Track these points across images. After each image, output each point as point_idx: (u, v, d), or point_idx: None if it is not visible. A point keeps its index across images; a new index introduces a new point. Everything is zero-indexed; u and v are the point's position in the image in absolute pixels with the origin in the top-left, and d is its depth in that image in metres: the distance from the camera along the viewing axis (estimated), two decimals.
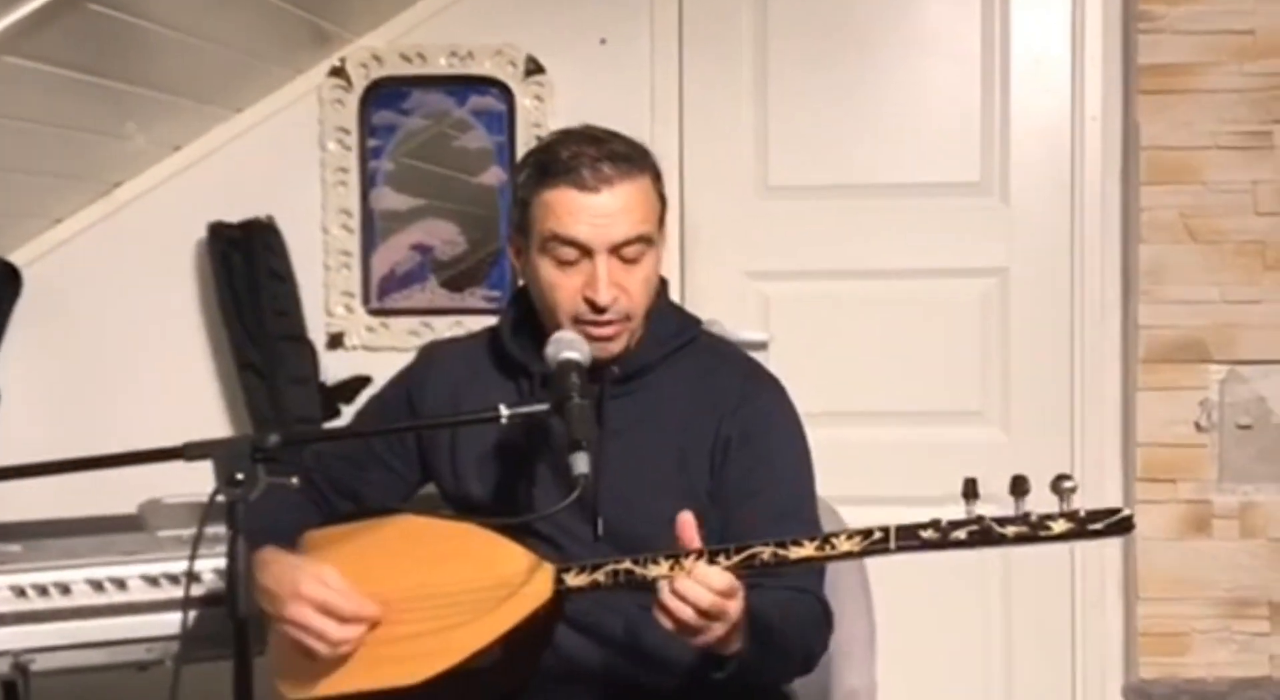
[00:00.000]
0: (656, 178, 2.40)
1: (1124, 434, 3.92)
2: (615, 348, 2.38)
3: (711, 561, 2.04)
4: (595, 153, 2.32)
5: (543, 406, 2.19)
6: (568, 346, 2.27)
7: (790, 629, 2.25)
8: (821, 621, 2.35)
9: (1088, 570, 3.94)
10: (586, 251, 2.32)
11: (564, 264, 2.34)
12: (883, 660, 2.68)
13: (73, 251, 4.01)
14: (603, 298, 2.31)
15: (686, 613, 2.02)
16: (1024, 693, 3.99)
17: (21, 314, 3.95)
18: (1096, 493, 3.81)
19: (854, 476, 3.57)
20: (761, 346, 3.86)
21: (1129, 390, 3.90)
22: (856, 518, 2.13)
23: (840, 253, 4.00)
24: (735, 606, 2.04)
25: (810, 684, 2.57)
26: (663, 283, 2.48)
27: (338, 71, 4.00)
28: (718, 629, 2.05)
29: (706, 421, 2.40)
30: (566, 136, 2.39)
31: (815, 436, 2.50)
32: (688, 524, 2.07)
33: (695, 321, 2.54)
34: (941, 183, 3.97)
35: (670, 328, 2.47)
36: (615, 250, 2.32)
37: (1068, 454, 3.90)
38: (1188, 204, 3.81)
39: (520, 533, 2.28)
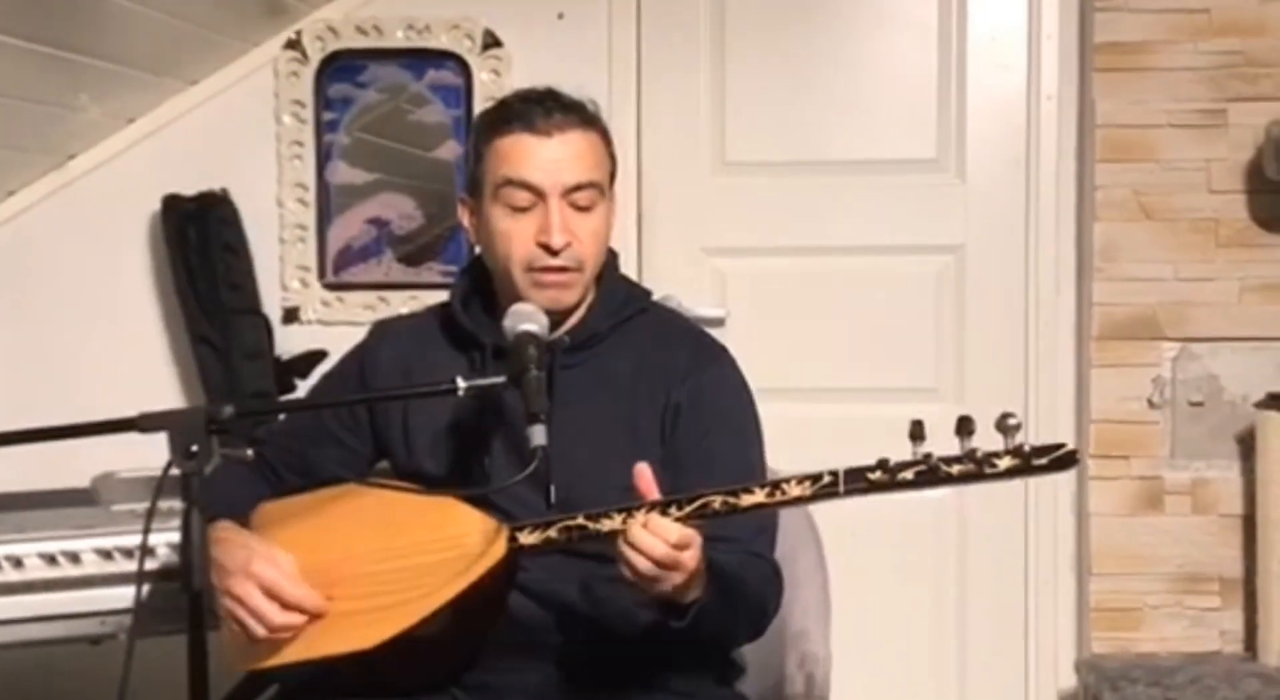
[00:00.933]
0: (607, 138, 2.44)
1: (1077, 410, 3.94)
2: (568, 298, 2.39)
3: (664, 512, 2.05)
4: (548, 102, 2.37)
5: (500, 379, 2.19)
6: (526, 319, 2.28)
7: (748, 581, 2.26)
8: (774, 582, 2.36)
9: (1041, 546, 3.97)
10: (539, 195, 2.34)
11: (517, 210, 2.35)
12: (837, 635, 2.69)
13: (26, 224, 3.98)
14: (556, 241, 2.33)
15: (642, 563, 2.04)
16: (978, 668, 4.01)
17: None
18: None
19: (809, 452, 3.53)
20: (718, 322, 3.87)
21: (1082, 367, 3.92)
22: None
23: (797, 229, 4.01)
24: (691, 557, 2.06)
25: (766, 656, 2.58)
26: (613, 255, 2.50)
27: (293, 44, 3.98)
28: (675, 578, 2.06)
29: (656, 390, 2.41)
30: (519, 92, 2.45)
31: (771, 412, 2.51)
32: (644, 474, 2.09)
33: (645, 293, 2.55)
34: (898, 159, 3.98)
35: (620, 298, 2.48)
36: (567, 195, 2.35)
37: (1020, 430, 3.91)
38: (1142, 182, 3.83)
39: (474, 505, 2.28)
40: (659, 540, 2.03)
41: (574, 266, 2.37)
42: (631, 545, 2.04)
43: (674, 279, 3.88)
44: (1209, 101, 3.81)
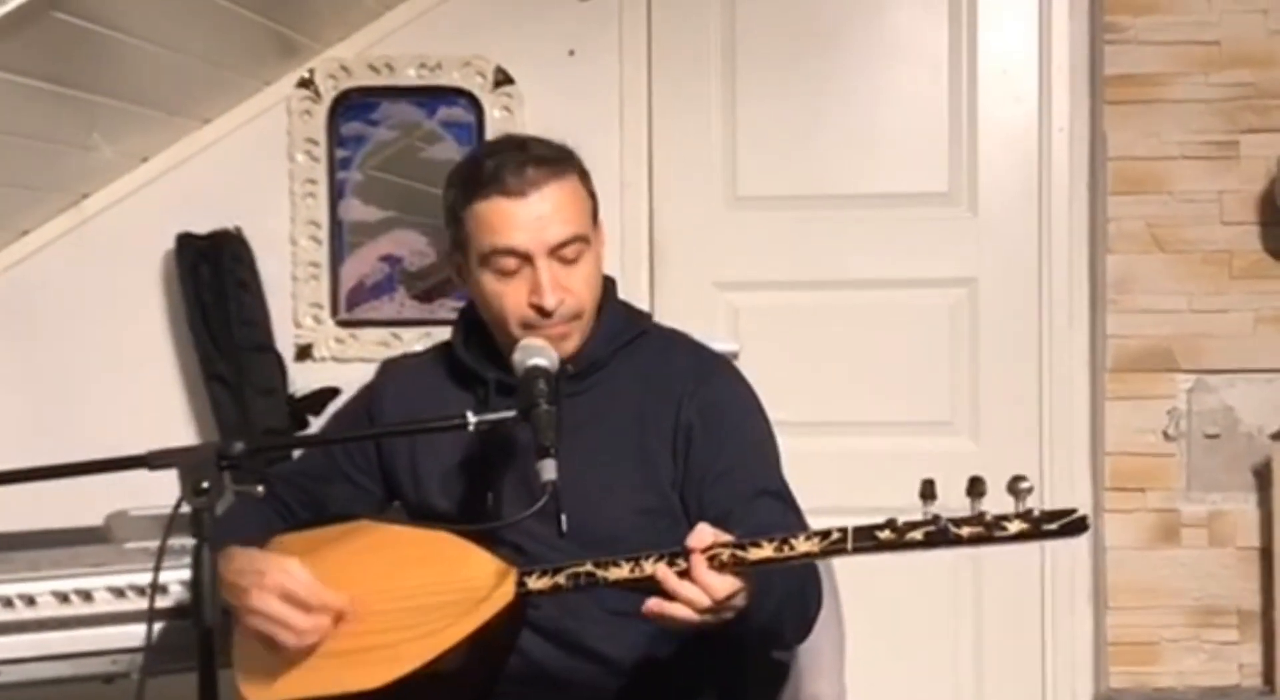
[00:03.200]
0: (584, 177, 2.41)
1: (1092, 443, 3.93)
2: (569, 347, 2.38)
3: (671, 563, 2.04)
4: (518, 158, 2.33)
5: (510, 413, 2.19)
6: (536, 353, 2.28)
7: (789, 577, 2.19)
8: (814, 575, 2.29)
9: (1057, 579, 3.95)
10: (526, 258, 2.32)
11: (506, 274, 2.34)
12: (852, 669, 2.68)
13: (40, 263, 3.99)
14: (549, 302, 2.32)
15: (689, 616, 2.02)
16: None
17: None
18: (1065, 502, 3.78)
19: (823, 486, 3.54)
20: (731, 357, 3.86)
21: (1097, 400, 3.91)
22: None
23: (809, 263, 4.01)
24: (739, 601, 2.03)
25: (777, 695, 2.57)
26: (611, 282, 2.49)
27: (306, 82, 4.00)
28: (726, 615, 2.04)
29: (664, 411, 2.40)
30: (488, 148, 2.43)
31: (784, 446, 2.49)
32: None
33: (646, 316, 2.55)
34: (910, 193, 3.99)
35: (620, 323, 2.47)
36: (554, 252, 2.33)
37: (1036, 463, 3.91)
38: (1155, 214, 3.83)
39: (484, 538, 2.28)
40: (705, 596, 2.01)
41: (571, 318, 2.36)
42: (684, 602, 2.01)
43: (686, 313, 3.87)
44: (1221, 133, 3.81)
